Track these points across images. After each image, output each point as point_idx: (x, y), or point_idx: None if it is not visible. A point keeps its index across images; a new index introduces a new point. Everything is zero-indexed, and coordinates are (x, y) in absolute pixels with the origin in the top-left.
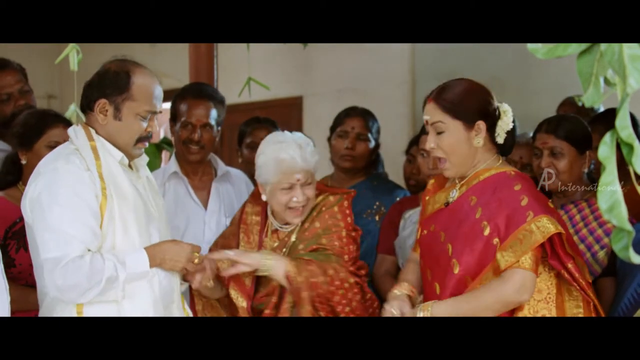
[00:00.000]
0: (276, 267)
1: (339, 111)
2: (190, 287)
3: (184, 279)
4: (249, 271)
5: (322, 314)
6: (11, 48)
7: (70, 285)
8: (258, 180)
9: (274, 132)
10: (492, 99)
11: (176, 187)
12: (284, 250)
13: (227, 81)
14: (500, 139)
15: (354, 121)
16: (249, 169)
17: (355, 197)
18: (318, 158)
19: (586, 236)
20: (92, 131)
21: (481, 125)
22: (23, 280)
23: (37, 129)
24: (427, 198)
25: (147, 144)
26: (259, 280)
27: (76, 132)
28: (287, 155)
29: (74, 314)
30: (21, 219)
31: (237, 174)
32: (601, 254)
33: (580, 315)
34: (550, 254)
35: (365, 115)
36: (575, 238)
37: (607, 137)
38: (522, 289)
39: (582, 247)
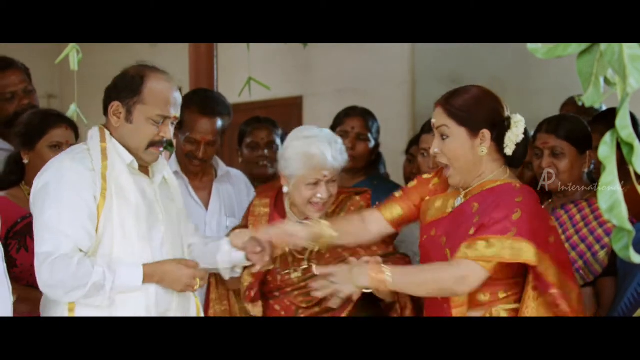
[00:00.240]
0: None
1: (339, 111)
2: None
3: (247, 258)
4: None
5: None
6: (12, 48)
7: (55, 282)
8: (282, 173)
9: (303, 126)
10: (502, 109)
11: None
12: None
13: (227, 81)
14: (508, 151)
15: (354, 121)
16: (249, 169)
17: None
18: (346, 157)
19: (587, 236)
20: (107, 133)
21: (486, 134)
22: (24, 281)
23: (39, 129)
24: (427, 198)
25: (161, 149)
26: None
27: (93, 133)
28: (317, 150)
29: (66, 314)
30: (23, 219)
31: (237, 174)
32: (602, 254)
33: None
34: (535, 275)
35: (365, 115)
36: (575, 238)
37: (608, 137)
38: (462, 280)
39: (582, 247)
